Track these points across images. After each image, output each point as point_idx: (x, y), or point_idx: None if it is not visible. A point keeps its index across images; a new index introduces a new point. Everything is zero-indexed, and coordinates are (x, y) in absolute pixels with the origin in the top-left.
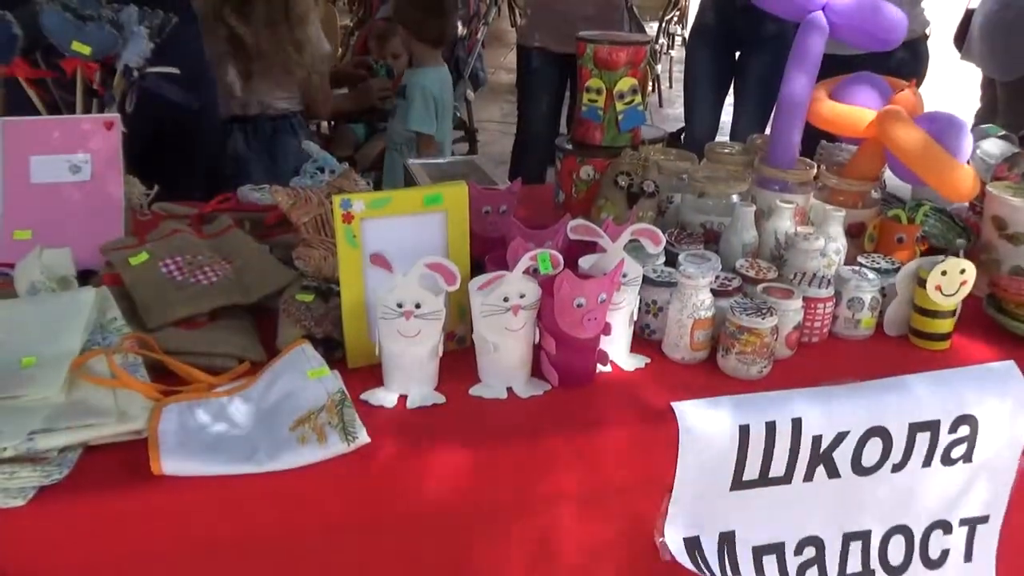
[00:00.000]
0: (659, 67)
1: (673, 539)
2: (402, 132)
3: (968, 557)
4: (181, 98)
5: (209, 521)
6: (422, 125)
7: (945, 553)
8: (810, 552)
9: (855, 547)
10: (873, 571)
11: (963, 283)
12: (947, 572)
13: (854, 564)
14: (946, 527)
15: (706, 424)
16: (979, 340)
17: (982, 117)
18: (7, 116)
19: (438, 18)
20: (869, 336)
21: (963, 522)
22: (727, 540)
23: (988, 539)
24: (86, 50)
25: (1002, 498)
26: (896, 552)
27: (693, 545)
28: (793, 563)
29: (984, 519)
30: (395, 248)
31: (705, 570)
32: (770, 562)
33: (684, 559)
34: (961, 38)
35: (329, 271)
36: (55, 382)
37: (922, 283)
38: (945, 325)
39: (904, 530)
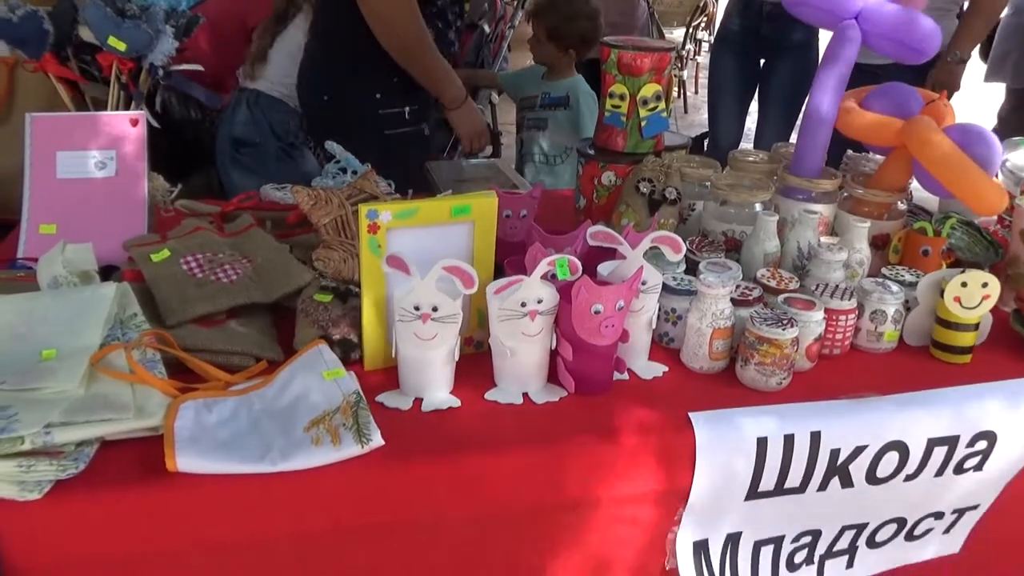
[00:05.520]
0: (685, 73)
1: (683, 544)
2: (559, 143)
3: (946, 532)
4: (205, 97)
5: (222, 520)
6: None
7: (928, 531)
8: (806, 540)
9: (849, 534)
10: (856, 547)
11: (986, 297)
12: (924, 543)
13: (842, 544)
14: (938, 515)
15: (724, 436)
16: (1004, 356)
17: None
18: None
19: (596, 38)
20: (892, 349)
21: (955, 511)
22: (733, 539)
23: (971, 519)
24: (121, 46)
25: (996, 492)
26: (885, 534)
27: (700, 547)
28: (787, 549)
29: (975, 507)
30: (419, 257)
31: (706, 571)
32: (766, 553)
33: (688, 566)
34: (986, 49)
35: (348, 273)
36: (75, 376)
37: (942, 294)
38: (965, 339)
39: (899, 520)
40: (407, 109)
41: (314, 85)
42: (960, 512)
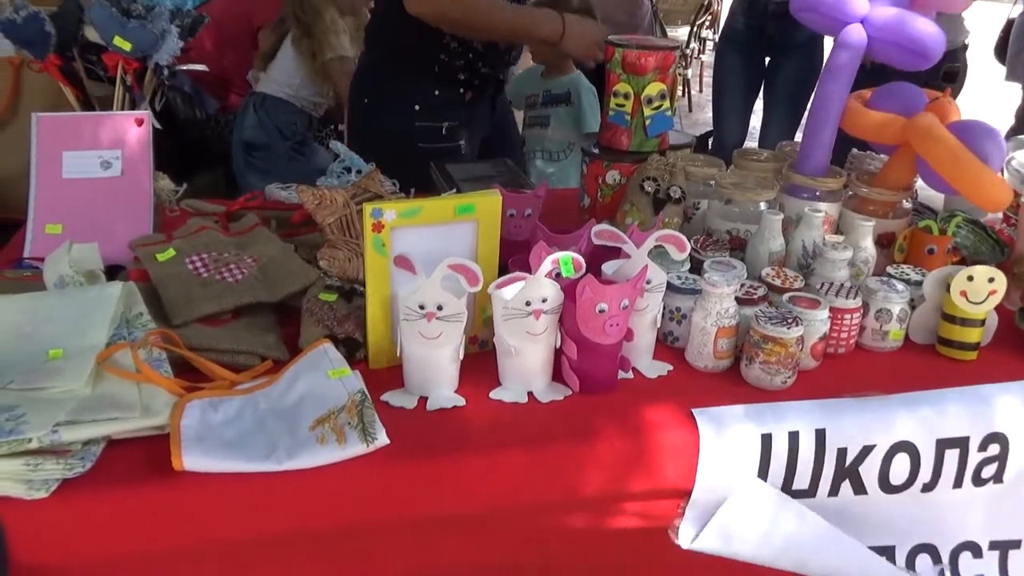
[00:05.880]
0: (689, 71)
1: (684, 540)
2: (562, 139)
3: None
4: (206, 99)
5: (228, 519)
6: (596, 125)
7: None
8: None
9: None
10: None
11: (992, 292)
12: None
13: None
14: (976, 550)
15: (728, 433)
16: (1010, 355)
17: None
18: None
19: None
20: (897, 348)
21: (993, 545)
22: None
23: (1021, 562)
24: (127, 46)
25: None
26: (924, 572)
27: None
28: None
29: (1016, 543)
30: (424, 256)
31: None
32: None
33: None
34: (1002, 49)
35: (353, 272)
36: (81, 375)
37: (948, 289)
38: (972, 335)
39: (929, 548)
40: (445, 125)
41: (357, 88)
42: (1001, 549)
